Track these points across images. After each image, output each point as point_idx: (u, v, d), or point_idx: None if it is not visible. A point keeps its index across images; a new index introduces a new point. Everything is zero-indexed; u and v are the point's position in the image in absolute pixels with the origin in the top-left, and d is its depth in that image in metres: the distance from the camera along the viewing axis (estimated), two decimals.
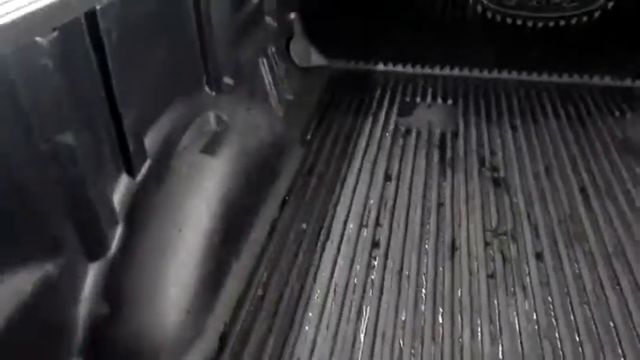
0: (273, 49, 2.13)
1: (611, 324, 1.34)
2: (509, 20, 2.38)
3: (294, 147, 1.99)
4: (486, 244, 1.59)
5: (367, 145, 2.06)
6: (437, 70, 2.59)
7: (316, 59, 2.59)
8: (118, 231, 1.20)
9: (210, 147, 1.49)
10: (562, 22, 2.34)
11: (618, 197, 1.76)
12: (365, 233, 1.64)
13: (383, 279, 1.49)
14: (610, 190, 1.80)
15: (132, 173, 1.25)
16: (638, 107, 2.28)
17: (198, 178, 1.41)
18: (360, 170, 1.92)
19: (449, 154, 2.01)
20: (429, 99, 2.39)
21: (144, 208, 1.26)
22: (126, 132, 1.19)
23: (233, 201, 1.48)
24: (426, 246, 1.59)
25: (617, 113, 2.25)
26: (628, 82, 2.45)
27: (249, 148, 1.65)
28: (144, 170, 1.29)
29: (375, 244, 1.60)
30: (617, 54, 2.40)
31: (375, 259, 1.55)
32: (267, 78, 2.01)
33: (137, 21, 1.23)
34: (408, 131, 2.15)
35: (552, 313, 1.38)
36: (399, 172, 1.91)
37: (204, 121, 1.55)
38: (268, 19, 2.16)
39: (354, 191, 1.81)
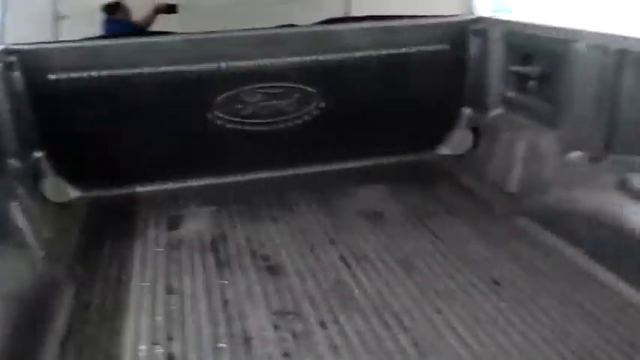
0: (23, 190, 2.04)
1: None
2: (247, 128, 2.67)
3: (65, 284, 1.89)
4: (276, 327, 1.71)
5: (143, 266, 2.06)
6: (194, 182, 2.73)
7: (72, 192, 2.52)
8: None
9: None
10: (290, 124, 2.72)
11: (371, 258, 2.07)
12: (158, 351, 1.62)
13: None
14: (364, 255, 2.10)
15: None
16: (375, 180, 2.73)
17: None
18: (140, 292, 1.90)
19: (223, 256, 2.12)
20: (193, 209, 2.51)
21: None
22: None
23: (4, 355, 1.34)
24: (222, 345, 1.63)
25: (359, 191, 2.65)
26: (363, 162, 2.90)
27: (12, 294, 1.53)
28: None
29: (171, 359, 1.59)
30: (341, 141, 2.84)
31: None
32: (21, 221, 1.91)
33: None
34: (180, 243, 2.21)
35: None
36: (180, 283, 1.95)
37: None
38: (11, 161, 2.07)
39: (138, 314, 1.78)
